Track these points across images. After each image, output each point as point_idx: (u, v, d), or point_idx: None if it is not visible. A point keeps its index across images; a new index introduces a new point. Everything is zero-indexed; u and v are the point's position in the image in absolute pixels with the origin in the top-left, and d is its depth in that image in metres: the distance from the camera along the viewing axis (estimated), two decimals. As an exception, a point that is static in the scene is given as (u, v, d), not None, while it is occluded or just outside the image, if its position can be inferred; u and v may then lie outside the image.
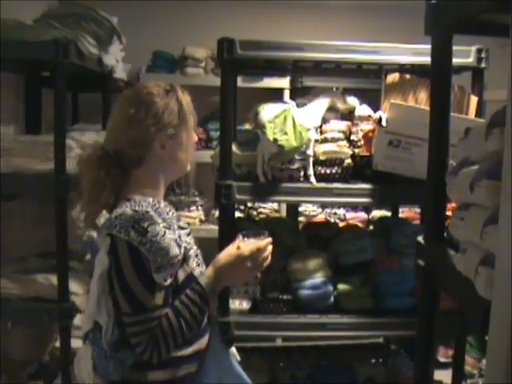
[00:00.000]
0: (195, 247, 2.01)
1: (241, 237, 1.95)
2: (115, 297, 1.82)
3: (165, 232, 1.81)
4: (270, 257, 1.95)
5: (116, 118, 1.96)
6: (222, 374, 1.99)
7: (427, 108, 2.20)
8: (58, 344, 2.96)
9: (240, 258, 1.91)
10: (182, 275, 1.88)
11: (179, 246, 1.85)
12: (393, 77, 2.82)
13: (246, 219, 4.03)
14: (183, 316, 1.82)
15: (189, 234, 2.02)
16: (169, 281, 1.81)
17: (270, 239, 1.96)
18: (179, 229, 1.94)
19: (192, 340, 1.91)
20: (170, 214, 1.95)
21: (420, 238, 2.06)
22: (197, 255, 2.00)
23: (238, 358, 2.13)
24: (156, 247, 1.77)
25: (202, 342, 1.96)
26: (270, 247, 1.95)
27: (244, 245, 1.92)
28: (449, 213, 1.99)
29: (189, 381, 1.91)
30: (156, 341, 1.79)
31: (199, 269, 1.98)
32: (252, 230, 2.03)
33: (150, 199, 1.90)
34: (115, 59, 3.58)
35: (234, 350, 2.15)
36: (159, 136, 1.90)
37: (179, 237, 1.89)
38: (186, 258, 1.90)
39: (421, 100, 2.75)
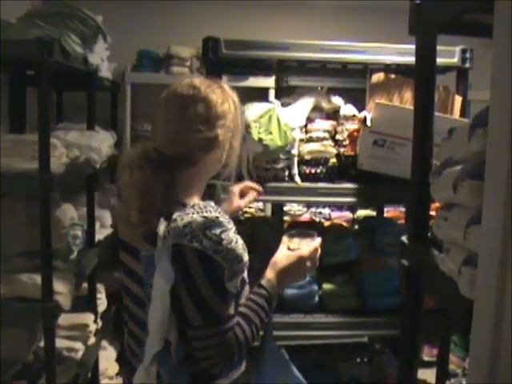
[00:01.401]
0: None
1: (287, 238, 1.95)
2: (181, 310, 1.69)
3: (237, 238, 1.71)
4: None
5: (180, 117, 1.80)
6: (278, 374, 1.98)
7: (412, 108, 2.21)
8: (42, 344, 2.94)
9: (301, 258, 1.88)
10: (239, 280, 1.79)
11: (245, 251, 1.76)
12: (378, 76, 2.83)
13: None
14: (254, 322, 1.77)
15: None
16: (237, 288, 1.74)
17: (320, 239, 1.95)
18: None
19: None
20: (227, 216, 1.82)
21: (404, 238, 2.07)
22: None
23: (287, 357, 2.11)
24: (232, 255, 1.67)
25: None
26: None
27: (299, 245, 1.91)
28: (433, 213, 2.01)
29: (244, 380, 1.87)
30: (231, 352, 1.71)
31: (246, 270, 1.89)
32: (297, 231, 2.01)
33: (212, 203, 1.80)
34: (100, 58, 3.56)
35: (283, 350, 2.12)
36: (223, 138, 1.82)
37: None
38: None
39: (406, 100, 2.77)
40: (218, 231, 1.66)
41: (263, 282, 1.85)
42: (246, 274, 1.85)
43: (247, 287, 1.86)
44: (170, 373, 1.74)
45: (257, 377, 1.93)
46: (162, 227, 1.69)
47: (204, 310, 1.68)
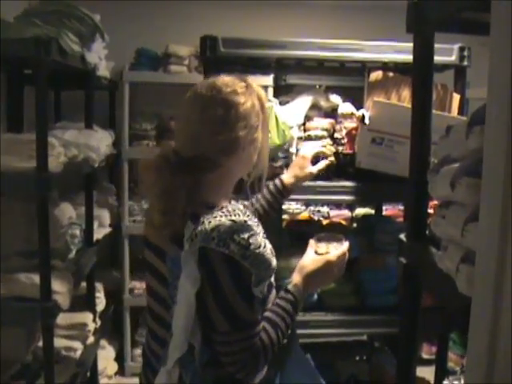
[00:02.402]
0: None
1: (314, 242, 1.93)
2: (205, 315, 1.68)
3: (265, 243, 1.70)
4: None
5: (198, 120, 1.76)
6: (302, 378, 1.95)
7: (410, 106, 2.20)
8: (40, 343, 2.94)
9: (328, 263, 1.86)
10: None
11: (273, 255, 1.75)
12: (376, 75, 2.83)
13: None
14: (280, 328, 1.74)
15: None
16: (263, 293, 1.72)
17: (348, 243, 1.92)
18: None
19: None
20: (255, 219, 1.81)
21: (402, 236, 2.07)
22: None
23: (312, 363, 2.09)
24: (260, 260, 1.65)
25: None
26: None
27: (327, 249, 1.89)
28: (431, 210, 2.00)
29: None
30: (257, 358, 1.69)
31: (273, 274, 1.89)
32: (325, 234, 1.97)
33: (241, 206, 1.81)
34: (98, 57, 3.56)
35: (308, 356, 2.10)
36: (246, 139, 1.77)
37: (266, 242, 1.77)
38: None
39: (404, 98, 2.76)
40: (246, 235, 1.64)
41: (289, 286, 1.83)
42: (273, 279, 1.84)
43: (274, 291, 1.84)
44: (193, 377, 1.73)
45: (280, 379, 1.90)
46: (188, 230, 1.68)
47: (230, 315, 1.66)
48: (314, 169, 2.51)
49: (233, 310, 1.65)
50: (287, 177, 2.47)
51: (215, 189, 1.80)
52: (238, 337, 1.67)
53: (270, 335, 1.72)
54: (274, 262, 1.72)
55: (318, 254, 1.90)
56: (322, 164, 2.55)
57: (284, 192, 2.45)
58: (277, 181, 2.46)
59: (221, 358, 1.70)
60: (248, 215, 1.76)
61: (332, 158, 2.58)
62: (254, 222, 1.75)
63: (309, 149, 2.57)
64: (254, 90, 1.81)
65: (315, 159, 2.53)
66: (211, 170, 1.77)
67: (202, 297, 1.66)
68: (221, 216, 1.67)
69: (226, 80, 1.80)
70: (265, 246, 1.68)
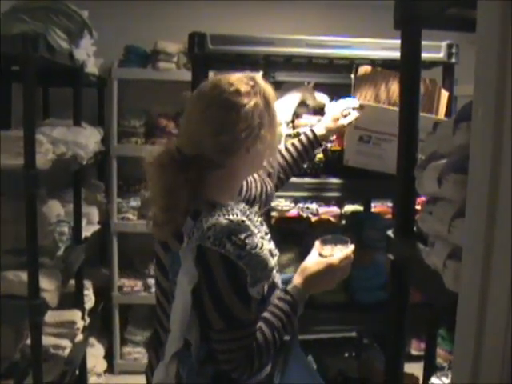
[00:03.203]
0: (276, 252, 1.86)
1: (319, 244, 1.90)
2: (202, 312, 1.69)
3: (262, 244, 1.69)
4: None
5: (199, 119, 1.76)
6: (303, 381, 1.94)
7: (395, 108, 2.21)
8: (28, 341, 2.93)
9: (331, 267, 1.84)
10: (266, 285, 1.77)
11: (272, 256, 1.75)
12: (364, 69, 2.83)
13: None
14: (277, 329, 1.74)
15: (270, 240, 1.86)
16: (261, 294, 1.72)
17: (353, 246, 1.90)
18: (265, 235, 1.82)
19: None
20: (257, 219, 1.83)
21: (390, 232, 2.07)
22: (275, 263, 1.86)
23: (315, 365, 2.07)
24: (255, 261, 1.65)
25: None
26: (352, 254, 1.89)
27: (332, 252, 1.87)
28: (418, 207, 2.01)
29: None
30: (251, 358, 1.70)
31: (278, 275, 1.89)
32: (331, 236, 1.95)
33: (242, 206, 1.80)
34: (86, 53, 3.55)
35: (310, 357, 2.09)
36: (247, 140, 1.75)
37: (267, 242, 1.78)
38: None
39: (393, 92, 2.76)
40: (242, 236, 1.64)
41: (289, 287, 1.83)
42: (277, 279, 1.85)
43: (277, 292, 1.84)
44: (190, 373, 1.74)
45: (280, 381, 1.90)
46: (187, 226, 1.68)
47: (225, 314, 1.67)
48: (346, 121, 2.56)
49: (228, 308, 1.66)
50: (319, 129, 2.52)
51: (218, 188, 1.80)
52: (233, 336, 1.68)
53: (266, 335, 1.72)
54: (271, 262, 1.71)
55: (322, 256, 1.88)
56: (352, 117, 2.58)
57: (315, 143, 2.50)
58: (308, 132, 2.50)
59: (217, 356, 1.71)
60: (248, 215, 1.76)
61: (357, 113, 2.59)
62: (255, 222, 1.76)
63: (336, 107, 2.60)
64: (260, 89, 1.79)
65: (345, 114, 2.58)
66: (213, 169, 1.77)
67: (200, 294, 1.67)
68: (219, 215, 1.67)
69: (231, 79, 1.78)
70: (261, 247, 1.68)
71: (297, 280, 1.84)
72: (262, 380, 1.82)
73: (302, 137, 2.49)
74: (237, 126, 1.72)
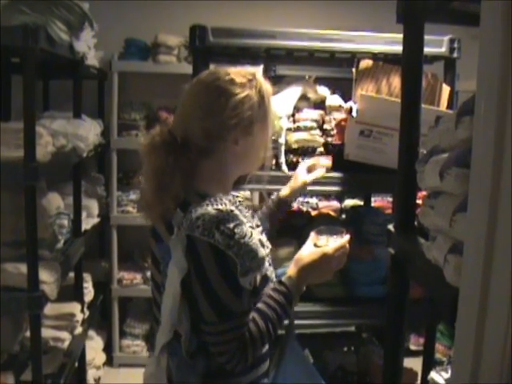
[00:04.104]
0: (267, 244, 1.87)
1: (315, 234, 1.90)
2: (193, 304, 1.69)
3: (251, 233, 1.68)
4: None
5: (190, 103, 1.79)
6: (299, 375, 1.93)
7: (397, 100, 2.20)
8: (28, 334, 2.93)
9: (325, 256, 1.83)
10: (259, 277, 1.76)
11: (263, 246, 1.74)
12: (366, 63, 2.82)
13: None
14: (270, 319, 1.73)
15: (262, 232, 1.89)
16: (252, 284, 1.71)
17: (348, 237, 1.89)
18: (256, 227, 1.82)
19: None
20: (247, 210, 1.84)
21: (390, 227, 2.07)
22: (267, 254, 1.85)
23: (311, 359, 2.07)
24: (244, 250, 1.64)
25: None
26: (347, 245, 1.89)
27: (327, 242, 1.87)
28: (419, 201, 2.01)
29: (265, 380, 1.85)
30: (245, 348, 1.69)
31: (271, 268, 1.88)
32: (326, 227, 1.94)
33: (231, 196, 1.80)
34: (87, 46, 3.54)
35: (307, 351, 2.09)
36: (235, 130, 1.75)
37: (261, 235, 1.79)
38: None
39: (394, 87, 2.75)
40: (231, 225, 1.64)
41: (284, 278, 1.82)
42: (270, 273, 1.84)
43: (271, 285, 1.83)
44: (179, 365, 1.73)
45: (275, 375, 1.89)
46: (177, 218, 1.69)
47: (217, 305, 1.66)
48: (310, 177, 2.47)
49: (219, 299, 1.66)
50: (283, 190, 2.47)
51: (209, 179, 1.80)
52: (226, 327, 1.67)
53: (260, 326, 1.71)
54: (261, 252, 1.70)
55: (317, 246, 1.88)
56: (317, 173, 2.51)
57: (280, 204, 2.45)
58: (274, 195, 2.49)
59: (210, 348, 1.70)
60: (238, 206, 1.76)
61: (323, 170, 2.53)
62: (245, 212, 1.76)
63: (302, 166, 2.53)
64: (257, 84, 1.79)
65: (310, 169, 2.51)
66: (203, 157, 1.78)
67: (190, 286, 1.67)
68: (207, 205, 1.67)
69: (230, 70, 1.81)
70: (251, 236, 1.67)
71: (291, 271, 1.84)
72: (259, 376, 1.82)
73: (269, 201, 2.47)
74: (224, 112, 1.73)
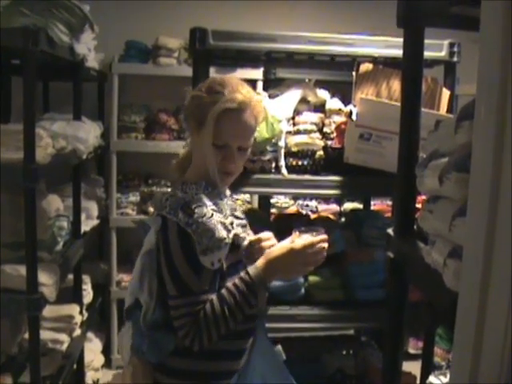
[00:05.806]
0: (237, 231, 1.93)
1: (297, 233, 1.91)
2: (161, 278, 1.82)
3: (212, 214, 1.80)
4: (324, 253, 1.89)
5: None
6: (266, 372, 1.95)
7: (397, 104, 2.20)
8: (26, 336, 2.93)
9: (291, 251, 1.85)
10: (228, 261, 1.84)
11: (228, 230, 1.82)
12: (366, 66, 2.82)
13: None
14: (228, 303, 1.79)
15: (244, 226, 1.99)
16: (216, 265, 1.78)
17: (324, 236, 1.89)
18: (233, 217, 1.92)
19: (239, 335, 1.89)
20: (226, 200, 1.95)
21: (390, 231, 2.07)
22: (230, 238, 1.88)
23: (284, 356, 2.07)
24: (202, 228, 1.76)
25: (250, 340, 1.93)
26: (324, 244, 1.88)
27: (298, 239, 1.88)
28: (419, 205, 2.01)
29: (231, 376, 1.89)
30: (199, 326, 1.77)
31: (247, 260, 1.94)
32: (308, 227, 1.96)
33: (204, 183, 1.88)
34: (87, 48, 3.54)
35: (279, 347, 2.09)
36: (191, 121, 1.91)
37: (231, 223, 1.85)
38: (238, 246, 1.89)
39: (394, 90, 2.76)
40: (193, 206, 1.78)
41: (249, 268, 1.86)
42: (243, 260, 1.92)
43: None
44: (135, 334, 1.90)
45: (245, 368, 1.91)
46: (156, 200, 1.90)
47: (177, 280, 1.79)
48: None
49: (179, 275, 1.79)
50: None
51: (193, 168, 1.96)
52: (183, 302, 1.79)
53: (215, 307, 1.79)
54: (220, 233, 1.78)
55: None
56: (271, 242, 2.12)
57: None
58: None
59: (173, 323, 1.82)
60: (208, 192, 1.87)
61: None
62: (221, 206, 1.88)
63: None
64: (223, 98, 1.83)
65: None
66: (193, 148, 1.98)
67: (159, 262, 1.83)
68: (177, 188, 1.87)
69: (231, 79, 1.94)
70: (211, 217, 1.78)
71: (259, 262, 1.88)
72: (223, 373, 1.90)
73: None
74: (187, 110, 1.93)
